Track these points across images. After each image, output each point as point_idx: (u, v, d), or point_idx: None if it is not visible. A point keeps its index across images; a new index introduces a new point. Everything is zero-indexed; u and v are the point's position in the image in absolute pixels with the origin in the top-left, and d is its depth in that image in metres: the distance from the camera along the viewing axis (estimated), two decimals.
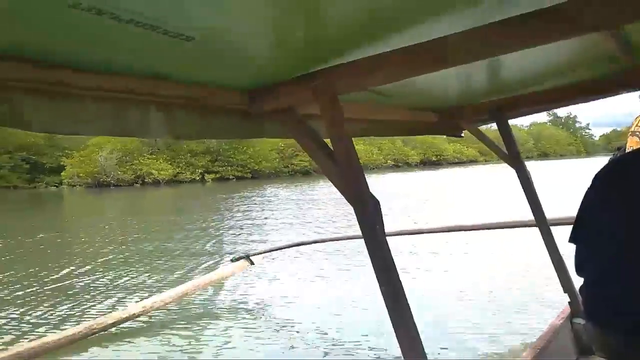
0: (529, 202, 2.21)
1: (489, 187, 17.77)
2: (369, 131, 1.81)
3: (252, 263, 4.86)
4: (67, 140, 34.21)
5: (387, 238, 1.16)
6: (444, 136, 2.26)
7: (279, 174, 42.42)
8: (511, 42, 0.88)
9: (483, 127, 2.25)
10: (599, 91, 1.77)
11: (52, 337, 3.44)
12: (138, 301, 4.47)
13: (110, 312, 4.18)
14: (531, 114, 2.19)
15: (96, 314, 4.40)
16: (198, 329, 4.13)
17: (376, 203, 1.15)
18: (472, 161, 64.20)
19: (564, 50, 1.37)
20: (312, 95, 1.15)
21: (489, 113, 2.02)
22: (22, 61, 0.86)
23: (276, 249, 5.19)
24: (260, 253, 4.98)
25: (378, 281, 1.13)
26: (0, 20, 0.70)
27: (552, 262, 2.23)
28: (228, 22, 0.81)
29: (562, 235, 1.62)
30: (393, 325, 1.11)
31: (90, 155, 32.56)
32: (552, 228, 2.20)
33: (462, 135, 2.20)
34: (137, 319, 4.03)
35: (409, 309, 1.12)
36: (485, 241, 6.87)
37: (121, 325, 3.91)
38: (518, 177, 2.19)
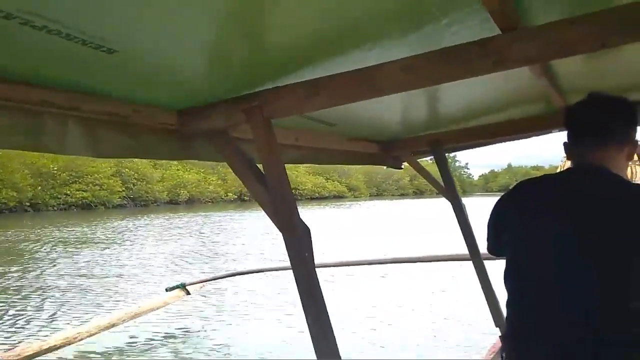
0: (463, 236, 2.92)
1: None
2: (306, 158, 2.23)
3: (188, 293, 6.09)
4: None
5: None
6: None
7: (40, 208, 38.16)
8: (442, 74, 1.23)
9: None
10: (532, 129, 2.54)
11: None
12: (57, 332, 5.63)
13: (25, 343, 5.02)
14: (469, 148, 2.96)
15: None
16: None
17: (306, 230, 1.49)
18: (338, 197, 71.99)
19: (500, 88, 1.99)
20: (244, 117, 1.46)
21: (427, 146, 2.69)
22: None
23: (213, 279, 6.65)
24: (197, 282, 6.29)
25: (304, 312, 1.45)
26: None
27: (485, 296, 2.97)
28: (156, 37, 1.05)
29: (494, 269, 2.31)
30: (317, 358, 1.44)
31: None
32: (485, 262, 2.92)
33: (402, 167, 2.83)
34: (57, 351, 4.98)
35: (336, 343, 1.46)
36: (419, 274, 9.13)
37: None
38: (453, 210, 2.90)
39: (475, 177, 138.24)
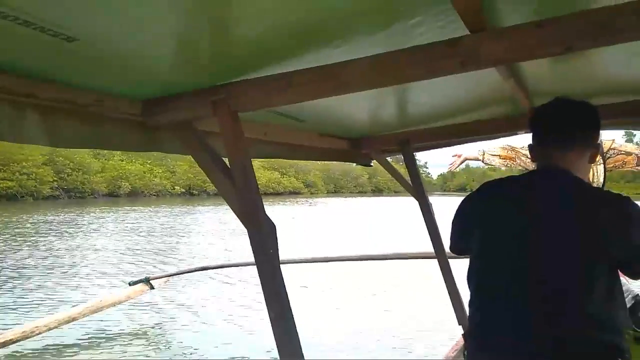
0: (429, 234, 3.06)
1: None
2: (275, 153, 2.28)
3: (152, 287, 6.24)
4: None
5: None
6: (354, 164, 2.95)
7: None
8: (410, 72, 1.27)
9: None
10: (499, 130, 2.68)
11: None
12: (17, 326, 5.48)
13: None
14: (437, 147, 3.06)
15: None
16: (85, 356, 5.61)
17: (272, 226, 1.53)
18: (294, 193, 72.20)
19: (468, 90, 2.08)
20: (211, 110, 1.49)
21: (397, 144, 2.81)
22: None
23: (179, 273, 6.86)
24: (162, 277, 6.47)
25: (267, 309, 1.49)
26: None
27: (449, 294, 3.13)
28: (119, 25, 1.07)
29: (459, 267, 2.39)
30: (280, 357, 1.49)
31: None
32: (450, 260, 3.06)
33: (372, 164, 2.95)
34: (13, 345, 4.97)
35: (299, 340, 1.50)
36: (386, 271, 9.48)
37: None
38: (420, 208, 3.03)
39: (434, 177, 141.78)
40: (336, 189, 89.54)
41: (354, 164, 3.12)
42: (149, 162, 58.00)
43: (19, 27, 0.95)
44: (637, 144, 3.87)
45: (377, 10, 1.18)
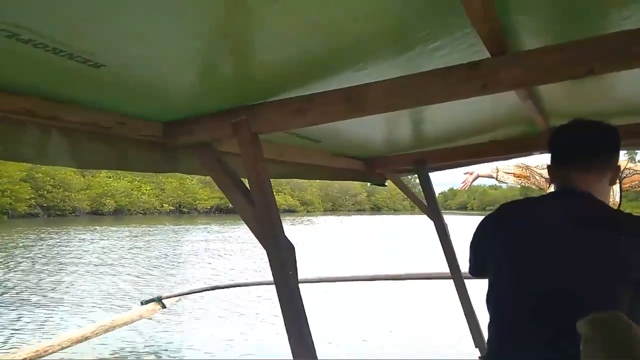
0: (445, 254, 3.12)
1: None
2: (290, 174, 2.35)
3: (164, 306, 6.32)
4: None
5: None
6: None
7: None
8: (430, 95, 1.32)
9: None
10: (515, 150, 2.73)
11: None
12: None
13: None
14: (452, 167, 3.11)
15: None
16: None
17: (291, 247, 1.56)
18: (289, 211, 72.08)
19: (485, 110, 2.12)
20: (231, 131, 1.55)
21: (411, 164, 2.88)
22: None
23: (191, 292, 7.03)
24: (174, 296, 6.55)
25: (287, 332, 1.52)
26: None
27: (465, 315, 3.16)
28: (143, 52, 1.13)
29: (475, 288, 2.44)
30: None
31: None
32: (466, 281, 3.10)
33: (386, 184, 3.02)
34: None
35: None
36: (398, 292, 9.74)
37: None
38: (435, 228, 3.10)
39: (436, 195, 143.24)
40: (334, 207, 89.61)
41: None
42: (137, 178, 57.85)
43: (46, 54, 1.00)
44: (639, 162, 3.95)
45: (398, 36, 1.22)
